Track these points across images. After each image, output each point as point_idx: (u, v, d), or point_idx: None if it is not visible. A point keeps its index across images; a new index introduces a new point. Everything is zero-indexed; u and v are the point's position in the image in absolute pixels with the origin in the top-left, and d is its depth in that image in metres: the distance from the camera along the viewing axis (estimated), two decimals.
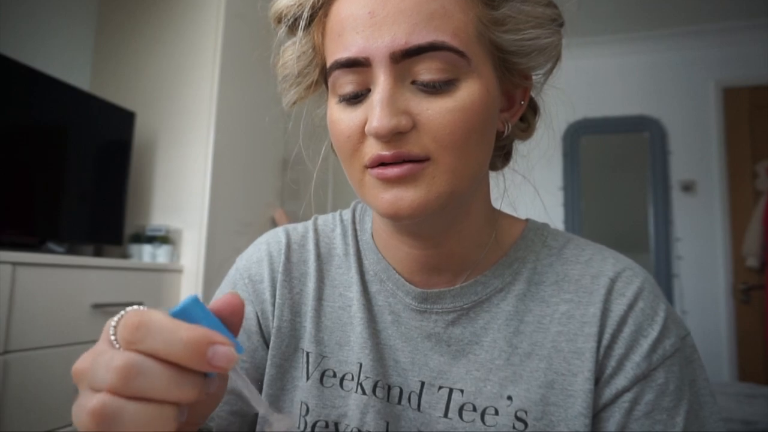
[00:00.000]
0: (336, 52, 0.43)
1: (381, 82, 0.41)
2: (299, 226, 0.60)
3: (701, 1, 2.80)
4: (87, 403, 0.27)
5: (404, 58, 0.40)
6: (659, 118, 3.14)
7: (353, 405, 0.50)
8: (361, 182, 0.45)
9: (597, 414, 0.46)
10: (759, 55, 2.98)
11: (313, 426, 0.50)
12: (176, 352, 0.27)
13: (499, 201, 0.54)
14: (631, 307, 0.46)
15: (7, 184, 1.49)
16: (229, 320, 0.32)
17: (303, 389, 0.52)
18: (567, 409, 0.45)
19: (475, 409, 0.47)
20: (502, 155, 0.56)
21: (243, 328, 0.54)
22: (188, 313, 0.29)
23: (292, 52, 0.49)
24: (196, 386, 0.28)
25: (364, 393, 0.49)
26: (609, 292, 0.47)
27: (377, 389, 0.49)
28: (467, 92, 0.41)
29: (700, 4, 2.83)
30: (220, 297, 0.33)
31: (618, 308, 0.47)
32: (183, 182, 1.92)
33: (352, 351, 0.51)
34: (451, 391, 0.48)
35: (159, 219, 1.94)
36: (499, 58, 0.45)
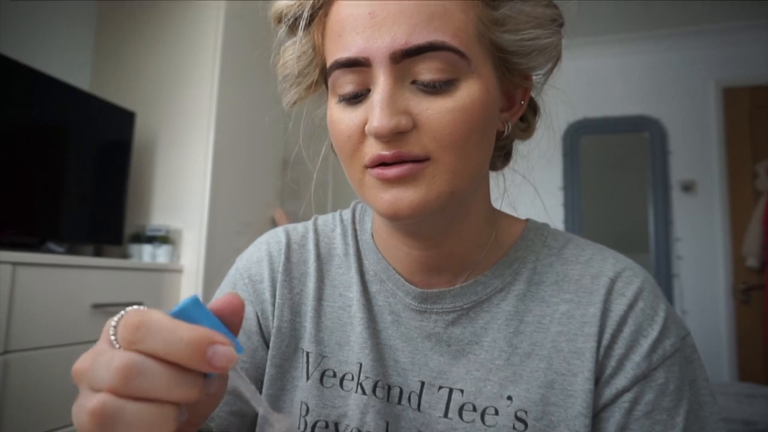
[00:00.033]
0: (336, 52, 0.43)
1: (381, 82, 0.41)
2: (299, 226, 0.60)
3: (701, 1, 2.80)
4: (87, 404, 0.27)
5: (404, 58, 0.40)
6: (659, 118, 3.14)
7: (353, 405, 0.50)
8: (361, 182, 0.45)
9: (597, 414, 0.46)
10: (759, 55, 2.98)
11: (313, 426, 0.50)
12: (176, 352, 0.27)
13: (499, 201, 0.54)
14: (631, 307, 0.46)
15: (7, 184, 1.49)
16: (229, 320, 0.32)
17: (303, 389, 0.52)
18: (567, 409, 0.45)
19: (475, 409, 0.47)
20: (502, 155, 0.56)
21: (243, 328, 0.54)
22: (188, 313, 0.29)
23: (292, 52, 0.49)
24: (196, 386, 0.28)
25: (364, 393, 0.49)
26: (609, 292, 0.47)
27: (377, 389, 0.49)
28: (467, 92, 0.41)
29: (700, 4, 2.83)
30: (219, 297, 0.33)
31: (618, 308, 0.47)
32: (183, 182, 1.92)
33: (352, 351, 0.51)
34: (451, 391, 0.48)
35: (159, 219, 1.94)
36: (499, 58, 0.45)
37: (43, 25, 1.93)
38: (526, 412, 0.45)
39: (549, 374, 0.46)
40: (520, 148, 0.57)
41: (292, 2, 0.47)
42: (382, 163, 0.42)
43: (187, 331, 0.27)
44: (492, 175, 0.54)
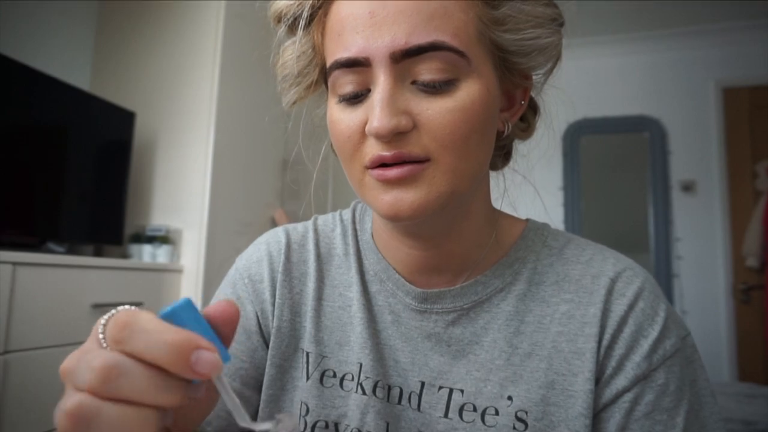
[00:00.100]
0: (336, 52, 0.43)
1: (381, 82, 0.41)
2: (299, 226, 0.59)
3: (701, 1, 2.80)
4: (65, 403, 0.26)
5: (404, 58, 0.40)
6: (659, 118, 3.14)
7: (353, 405, 0.50)
8: (361, 183, 0.45)
9: (597, 414, 0.46)
10: (759, 55, 2.98)
11: (313, 426, 0.50)
12: (159, 354, 0.26)
13: (499, 201, 0.54)
14: (631, 307, 0.46)
15: (7, 184, 1.49)
16: (221, 328, 0.31)
17: (303, 389, 0.52)
18: (567, 410, 0.45)
19: (475, 410, 0.47)
20: (502, 155, 0.56)
21: (243, 327, 0.54)
22: (178, 315, 0.28)
23: (291, 52, 0.49)
24: (179, 391, 0.27)
25: (364, 393, 0.49)
26: (609, 292, 0.47)
27: (377, 389, 0.49)
28: (467, 92, 0.41)
29: (700, 4, 2.83)
30: (215, 303, 0.32)
31: (618, 308, 0.47)
32: (183, 182, 1.92)
33: (352, 351, 0.51)
34: (451, 391, 0.48)
35: (159, 219, 1.94)
36: (499, 57, 0.45)
37: (43, 25, 1.93)
38: (526, 413, 0.45)
39: (549, 374, 0.46)
40: (520, 147, 0.57)
41: (292, 2, 0.46)
42: (382, 163, 0.42)
43: (172, 334, 0.26)
44: (492, 174, 0.54)
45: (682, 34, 3.08)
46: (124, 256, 1.91)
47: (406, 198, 0.42)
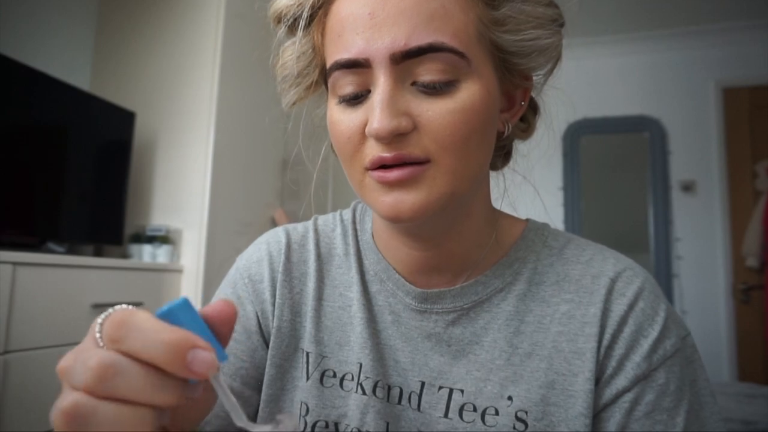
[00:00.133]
0: (336, 53, 0.43)
1: (381, 84, 0.41)
2: (299, 226, 0.59)
3: (701, 1, 2.80)
4: (61, 402, 0.26)
5: (404, 59, 0.40)
6: (659, 118, 3.14)
7: (353, 405, 0.50)
8: (361, 184, 0.45)
9: (597, 414, 0.46)
10: (759, 55, 2.98)
11: (313, 426, 0.50)
12: (155, 353, 0.26)
13: (499, 201, 0.54)
14: (631, 307, 0.46)
15: (7, 184, 1.49)
16: (219, 328, 0.31)
17: (303, 389, 0.52)
18: (567, 410, 0.45)
19: (475, 410, 0.47)
20: (502, 155, 0.56)
21: (243, 327, 0.54)
22: (175, 315, 0.28)
23: (291, 53, 0.49)
24: (176, 391, 0.27)
25: (364, 393, 0.49)
26: (609, 292, 0.47)
27: (377, 389, 0.49)
28: (468, 93, 0.41)
29: (700, 4, 2.83)
30: (213, 303, 0.32)
31: (618, 308, 0.47)
32: (183, 182, 1.92)
33: (352, 351, 0.51)
34: (451, 391, 0.48)
35: (159, 219, 1.94)
36: (499, 58, 0.45)
37: (43, 25, 1.93)
38: (526, 413, 0.45)
39: (549, 374, 0.46)
40: (520, 148, 0.57)
41: (292, 2, 0.46)
42: (382, 165, 0.42)
43: (168, 333, 0.26)
44: (492, 175, 0.54)
45: (682, 34, 3.09)
46: (124, 256, 1.91)
47: (406, 200, 0.42)
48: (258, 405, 0.53)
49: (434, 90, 0.41)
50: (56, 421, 0.26)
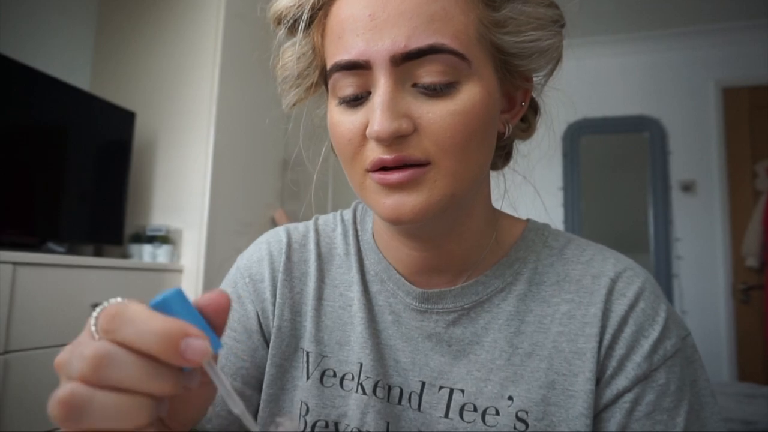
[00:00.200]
0: (336, 54, 0.43)
1: (381, 85, 0.41)
2: (300, 226, 0.60)
3: (701, 1, 2.80)
4: (58, 392, 0.26)
5: (405, 61, 0.40)
6: (659, 118, 3.14)
7: (353, 405, 0.50)
8: (362, 185, 0.45)
9: (598, 414, 0.46)
10: (759, 55, 2.98)
11: (313, 426, 0.50)
12: (148, 342, 0.26)
13: (499, 201, 0.54)
14: (632, 307, 0.46)
15: (7, 184, 1.49)
16: (213, 318, 0.31)
17: (303, 389, 0.52)
18: (568, 410, 0.45)
19: (475, 410, 0.47)
20: (502, 155, 0.56)
21: (244, 327, 0.54)
22: (168, 305, 0.28)
23: (291, 54, 0.49)
24: (171, 379, 0.27)
25: (364, 393, 0.49)
26: (610, 292, 0.47)
27: (377, 389, 0.49)
28: (468, 95, 0.41)
29: (700, 4, 2.83)
30: (207, 293, 0.32)
31: (619, 308, 0.47)
32: (183, 182, 1.92)
33: (353, 351, 0.51)
34: (451, 391, 0.48)
35: (159, 219, 1.94)
36: (500, 60, 0.45)
37: (43, 25, 1.93)
38: (527, 413, 0.45)
39: (550, 374, 0.46)
40: (520, 148, 0.57)
41: (292, 3, 0.46)
42: (383, 167, 0.42)
43: (161, 322, 0.27)
44: (492, 175, 0.54)
45: (682, 34, 3.09)
46: (124, 256, 1.91)
47: (407, 202, 0.42)
48: (258, 404, 0.53)
49: (435, 92, 0.41)
50: (53, 412, 0.26)
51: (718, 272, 2.97)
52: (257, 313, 0.54)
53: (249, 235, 2.03)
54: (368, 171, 0.43)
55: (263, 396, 0.53)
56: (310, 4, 0.45)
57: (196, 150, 1.91)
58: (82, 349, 0.26)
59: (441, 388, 0.48)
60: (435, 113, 0.41)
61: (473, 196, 0.48)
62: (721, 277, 2.96)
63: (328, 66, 0.44)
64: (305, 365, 0.52)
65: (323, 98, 0.52)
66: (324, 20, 0.45)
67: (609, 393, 0.45)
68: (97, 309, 0.29)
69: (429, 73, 0.41)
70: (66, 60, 2.01)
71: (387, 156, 0.41)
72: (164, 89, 1.99)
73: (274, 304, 0.54)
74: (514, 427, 0.45)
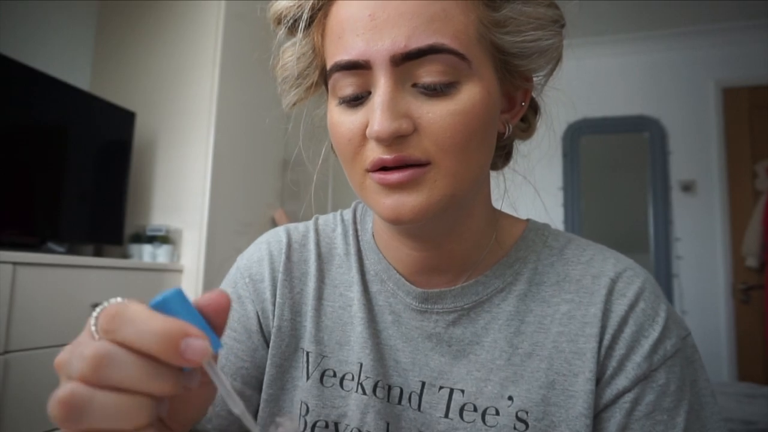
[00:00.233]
0: (336, 54, 0.43)
1: (381, 85, 0.41)
2: (300, 226, 0.60)
3: (701, 1, 2.80)
4: (57, 392, 0.26)
5: (405, 61, 0.40)
6: (659, 118, 3.14)
7: (353, 405, 0.50)
8: (362, 185, 0.45)
9: (598, 414, 0.46)
10: (759, 55, 2.98)
11: (313, 426, 0.50)
12: (148, 342, 0.26)
13: (499, 201, 0.54)
14: (632, 307, 0.46)
15: (7, 184, 1.49)
16: (213, 318, 0.31)
17: (303, 389, 0.52)
18: (568, 410, 0.45)
19: (475, 410, 0.47)
20: (502, 155, 0.56)
21: (244, 327, 0.54)
22: (168, 305, 0.28)
23: (291, 54, 0.49)
24: (170, 379, 0.27)
25: (364, 393, 0.49)
26: (610, 292, 0.47)
27: (377, 389, 0.49)
28: (468, 95, 0.41)
29: (700, 4, 2.83)
30: (206, 293, 0.32)
31: (619, 308, 0.47)
32: (183, 182, 1.92)
33: (353, 351, 0.51)
34: (451, 391, 0.48)
35: (159, 219, 1.94)
36: (500, 60, 0.45)
37: (43, 25, 1.93)
38: (527, 413, 0.45)
39: (550, 374, 0.46)
40: (520, 148, 0.57)
41: (292, 3, 0.46)
42: (383, 167, 0.42)
43: (161, 322, 0.27)
44: (492, 175, 0.54)
45: (682, 34, 3.09)
46: (124, 256, 1.91)
47: (407, 202, 0.42)
48: (258, 404, 0.54)
49: (435, 92, 0.41)
50: (53, 412, 0.26)
51: (718, 272, 2.97)
52: (257, 313, 0.54)
53: (249, 235, 2.03)
54: (368, 171, 0.43)
55: (263, 396, 0.53)
56: (310, 4, 0.45)
57: (196, 150, 1.91)
58: (82, 349, 0.26)
59: (441, 388, 0.48)
60: (435, 113, 0.41)
61: (473, 196, 0.48)
62: (721, 277, 2.96)
63: (328, 66, 0.44)
64: (305, 365, 0.52)
65: (323, 98, 0.52)
66: (324, 20, 0.45)
67: (609, 393, 0.45)
68: (97, 309, 0.29)
69: (429, 73, 0.41)
70: (66, 60, 2.01)
71: (387, 156, 0.41)
72: (164, 89, 1.99)
73: (274, 304, 0.54)
74: (514, 427, 0.45)
